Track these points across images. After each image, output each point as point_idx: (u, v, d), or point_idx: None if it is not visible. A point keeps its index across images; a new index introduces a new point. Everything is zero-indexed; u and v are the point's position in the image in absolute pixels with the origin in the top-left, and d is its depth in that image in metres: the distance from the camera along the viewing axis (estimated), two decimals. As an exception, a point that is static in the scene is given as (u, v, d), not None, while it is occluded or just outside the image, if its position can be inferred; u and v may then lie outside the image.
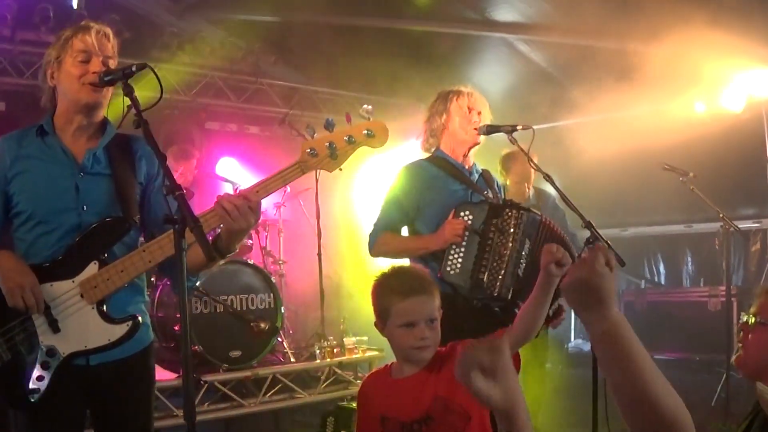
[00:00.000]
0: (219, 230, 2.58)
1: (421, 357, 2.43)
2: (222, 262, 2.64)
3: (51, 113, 2.71)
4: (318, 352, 6.29)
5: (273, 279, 6.16)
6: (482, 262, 3.48)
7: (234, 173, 7.64)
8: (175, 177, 2.27)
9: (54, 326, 2.49)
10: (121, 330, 2.57)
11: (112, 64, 2.66)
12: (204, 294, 5.56)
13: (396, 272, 2.57)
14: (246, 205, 2.41)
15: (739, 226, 6.21)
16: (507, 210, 3.54)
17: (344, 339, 6.46)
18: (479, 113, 3.80)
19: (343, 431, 4.94)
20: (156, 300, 5.79)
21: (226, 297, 5.72)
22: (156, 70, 2.47)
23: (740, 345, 2.29)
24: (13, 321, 2.48)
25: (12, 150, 2.66)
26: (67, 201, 2.63)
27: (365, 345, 6.53)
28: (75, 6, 6.35)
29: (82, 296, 2.53)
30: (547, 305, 2.36)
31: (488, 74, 7.99)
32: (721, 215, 5.94)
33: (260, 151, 8.18)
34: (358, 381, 6.32)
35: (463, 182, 3.77)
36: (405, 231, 3.82)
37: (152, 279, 5.61)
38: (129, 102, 2.38)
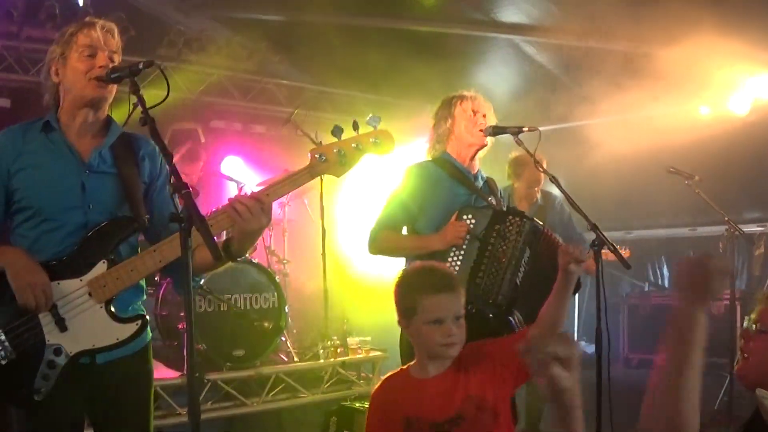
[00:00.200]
0: (225, 235, 2.58)
1: (448, 354, 2.43)
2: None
3: (54, 110, 2.70)
4: (321, 351, 6.29)
5: (277, 278, 6.16)
6: (481, 267, 3.48)
7: (239, 172, 7.64)
8: (178, 177, 2.26)
9: (61, 325, 2.49)
10: (130, 329, 2.58)
11: (117, 59, 2.65)
12: (208, 292, 5.56)
13: (422, 269, 2.57)
14: (258, 207, 2.42)
15: (744, 229, 6.19)
16: (510, 217, 3.55)
17: (348, 339, 6.45)
18: (484, 116, 3.80)
19: (346, 431, 4.94)
20: (160, 298, 5.79)
21: (230, 296, 5.71)
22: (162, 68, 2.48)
23: (740, 353, 2.27)
24: (19, 319, 2.47)
25: (16, 144, 2.64)
26: (72, 199, 2.62)
27: (369, 345, 6.52)
28: (81, 3, 6.35)
29: (90, 295, 2.52)
30: (569, 300, 2.45)
31: (494, 75, 7.98)
32: (726, 219, 5.93)
33: (265, 150, 8.19)
34: (362, 381, 6.33)
35: (467, 186, 3.77)
36: (404, 231, 3.82)
37: (156, 278, 5.61)
38: (134, 100, 2.37)
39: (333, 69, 7.63)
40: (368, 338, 6.57)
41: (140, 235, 2.79)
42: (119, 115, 2.79)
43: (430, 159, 3.88)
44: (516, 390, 2.53)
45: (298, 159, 6.88)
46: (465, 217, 3.55)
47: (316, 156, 2.54)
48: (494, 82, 7.75)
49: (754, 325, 2.23)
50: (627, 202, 8.50)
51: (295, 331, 6.71)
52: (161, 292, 5.79)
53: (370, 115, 2.62)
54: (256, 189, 2.74)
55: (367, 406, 4.88)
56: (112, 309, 2.56)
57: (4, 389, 2.50)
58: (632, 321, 8.78)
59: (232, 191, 7.23)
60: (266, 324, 5.79)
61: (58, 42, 2.68)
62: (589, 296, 7.09)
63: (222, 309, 5.66)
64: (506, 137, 3.81)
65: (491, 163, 4.06)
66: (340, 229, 7.75)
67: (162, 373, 5.34)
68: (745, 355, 2.24)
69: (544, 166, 3.98)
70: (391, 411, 2.47)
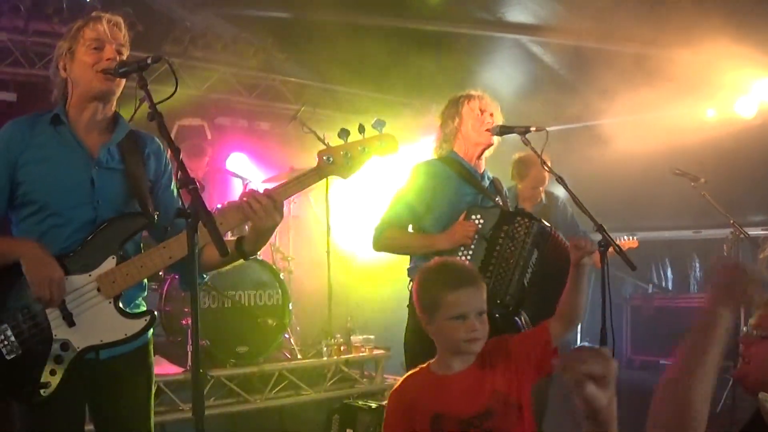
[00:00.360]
0: (230, 235, 2.58)
1: (471, 349, 2.42)
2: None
3: (63, 105, 2.68)
4: (325, 349, 6.29)
5: (281, 275, 6.17)
6: (489, 267, 3.49)
7: (244, 169, 7.64)
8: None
9: (69, 320, 2.48)
10: (139, 325, 2.59)
11: (125, 53, 2.65)
12: (212, 289, 5.57)
13: (444, 265, 2.57)
14: (272, 204, 2.43)
15: (749, 232, 6.18)
16: (518, 218, 3.55)
17: (351, 337, 6.45)
18: (491, 115, 3.80)
19: (349, 429, 4.94)
20: (164, 294, 5.81)
21: (234, 292, 5.72)
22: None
23: (741, 358, 2.26)
24: (25, 314, 2.47)
25: (24, 136, 2.61)
26: (82, 195, 2.61)
27: (372, 343, 6.52)
28: (88, -2, 6.37)
29: (98, 290, 2.52)
30: (586, 292, 2.49)
31: (501, 75, 7.98)
32: (731, 221, 5.91)
33: (271, 147, 8.19)
34: (365, 379, 6.33)
35: (474, 186, 3.77)
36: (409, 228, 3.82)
37: (160, 273, 5.60)
38: (141, 95, 2.36)
39: (339, 67, 7.64)
40: (372, 336, 6.57)
41: (143, 233, 2.80)
42: (125, 113, 2.79)
43: (437, 158, 3.88)
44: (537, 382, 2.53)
45: (303, 156, 6.94)
46: (473, 217, 3.55)
47: (324, 158, 2.56)
48: (501, 82, 7.75)
49: (754, 331, 2.22)
50: (632, 203, 8.49)
51: (298, 328, 6.71)
52: (165, 288, 5.80)
53: (376, 118, 2.64)
54: (261, 186, 2.75)
55: (369, 404, 4.92)
56: (121, 305, 2.56)
57: (10, 385, 2.49)
58: (635, 323, 8.78)
59: (237, 188, 7.24)
60: (270, 321, 5.78)
61: (65, 37, 2.67)
62: (592, 297, 7.08)
63: (226, 305, 5.66)
64: (509, 139, 3.82)
65: (492, 164, 4.05)
66: (344, 227, 7.75)
67: (165, 368, 5.36)
68: (746, 360, 2.24)
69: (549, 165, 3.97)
70: (416, 409, 2.44)
